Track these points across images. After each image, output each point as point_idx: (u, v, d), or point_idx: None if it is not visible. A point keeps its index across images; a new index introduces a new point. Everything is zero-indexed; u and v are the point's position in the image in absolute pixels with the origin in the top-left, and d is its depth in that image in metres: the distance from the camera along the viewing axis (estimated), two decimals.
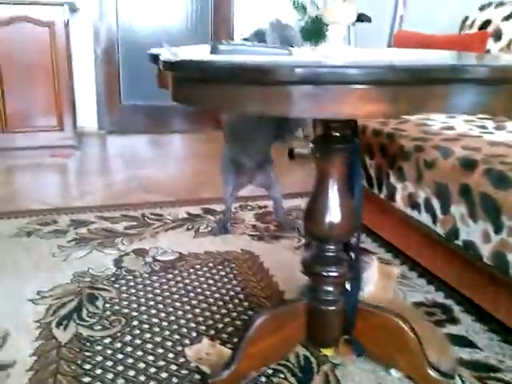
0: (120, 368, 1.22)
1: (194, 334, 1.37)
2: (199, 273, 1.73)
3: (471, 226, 1.31)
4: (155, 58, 1.04)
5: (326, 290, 1.16)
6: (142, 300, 1.54)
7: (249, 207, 2.41)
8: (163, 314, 1.46)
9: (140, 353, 1.28)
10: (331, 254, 1.15)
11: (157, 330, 1.39)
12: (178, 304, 1.52)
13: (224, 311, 1.49)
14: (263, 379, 1.19)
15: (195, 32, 4.28)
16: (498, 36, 2.23)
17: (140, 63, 4.17)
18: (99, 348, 1.30)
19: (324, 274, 1.15)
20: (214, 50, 0.81)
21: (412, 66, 0.74)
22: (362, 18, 3.38)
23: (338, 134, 1.08)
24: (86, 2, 3.93)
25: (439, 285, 1.64)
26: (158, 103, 4.31)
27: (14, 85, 3.48)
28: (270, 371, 1.21)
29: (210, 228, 2.15)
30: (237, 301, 1.55)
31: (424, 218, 1.51)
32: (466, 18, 2.45)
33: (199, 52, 1.04)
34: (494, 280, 1.35)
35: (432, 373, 1.12)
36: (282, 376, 1.20)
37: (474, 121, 1.78)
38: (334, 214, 1.11)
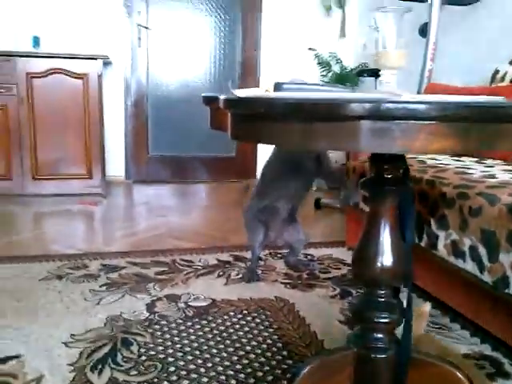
0: None
1: (233, 382, 1.32)
2: (233, 320, 1.69)
3: None
4: (208, 100, 1.06)
5: (376, 337, 1.12)
6: (178, 346, 1.50)
7: (279, 255, 2.38)
8: (200, 361, 1.42)
9: None
10: (382, 300, 1.11)
11: (194, 376, 1.34)
12: (214, 351, 1.48)
13: (262, 359, 1.44)
14: None
15: (219, 86, 4.39)
16: None
17: (167, 115, 4.31)
18: None
19: (374, 320, 1.11)
20: (277, 88, 0.82)
21: (483, 102, 0.73)
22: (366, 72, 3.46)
23: (390, 176, 1.07)
24: (119, 56, 4.09)
25: (484, 336, 1.57)
26: (184, 154, 4.39)
27: (48, 133, 3.59)
28: None
29: (240, 275, 2.12)
30: (275, 349, 1.50)
31: (469, 266, 1.47)
32: (497, 72, 2.48)
33: (257, 92, 1.05)
34: None
35: None
36: None
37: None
38: (385, 257, 1.08)
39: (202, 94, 1.12)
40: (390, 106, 0.71)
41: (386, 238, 1.08)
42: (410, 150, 0.74)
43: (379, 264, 1.08)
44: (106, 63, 3.92)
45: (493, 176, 1.65)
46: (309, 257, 2.36)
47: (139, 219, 3.23)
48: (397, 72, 1.09)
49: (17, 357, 1.41)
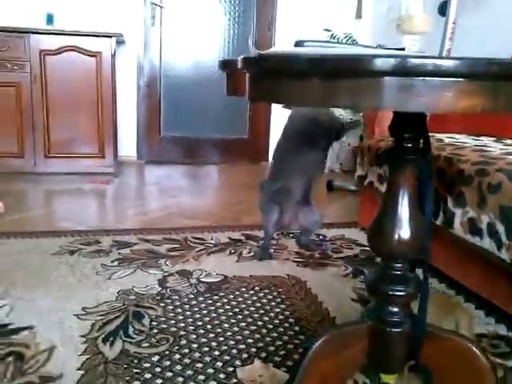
0: None
1: (245, 356, 1.31)
2: (245, 295, 1.67)
3: None
4: (225, 64, 1.03)
5: (392, 311, 1.09)
6: (189, 320, 1.49)
7: (291, 234, 2.36)
8: (212, 335, 1.41)
9: (190, 372, 1.23)
10: (398, 273, 1.09)
11: (206, 349, 1.33)
12: (226, 325, 1.47)
13: (274, 334, 1.43)
14: None
15: None
16: None
17: (179, 96, 4.28)
18: (147, 365, 1.25)
19: (390, 293, 1.08)
20: (298, 45, 0.80)
21: None
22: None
23: (410, 145, 1.04)
24: (132, 35, 4.05)
25: (499, 317, 1.55)
26: (196, 135, 4.37)
27: (60, 112, 3.58)
28: None
29: (252, 253, 2.10)
30: (287, 325, 1.49)
31: (487, 243, 1.44)
32: None
33: (278, 49, 1.02)
34: None
35: None
36: None
37: None
38: (403, 229, 1.05)
39: (219, 59, 1.09)
40: (417, 61, 0.68)
41: (404, 209, 1.05)
42: (436, 107, 0.71)
43: (396, 236, 1.05)
44: (120, 42, 3.89)
45: None
46: (321, 237, 2.34)
47: (150, 198, 3.22)
48: (419, 39, 1.05)
49: (29, 328, 1.41)
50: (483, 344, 1.39)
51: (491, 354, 1.34)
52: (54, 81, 3.53)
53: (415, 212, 1.06)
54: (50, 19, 3.69)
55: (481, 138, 2.01)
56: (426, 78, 0.69)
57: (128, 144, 4.19)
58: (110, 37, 3.59)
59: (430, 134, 2.04)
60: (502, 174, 1.40)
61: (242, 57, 0.84)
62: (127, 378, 1.19)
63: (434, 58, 0.68)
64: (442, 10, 2.65)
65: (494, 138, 2.01)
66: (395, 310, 1.10)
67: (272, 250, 2.12)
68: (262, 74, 0.82)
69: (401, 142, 1.04)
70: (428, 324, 1.09)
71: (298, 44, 0.79)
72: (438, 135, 2.03)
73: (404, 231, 1.05)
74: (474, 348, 1.06)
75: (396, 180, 1.06)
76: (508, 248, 1.36)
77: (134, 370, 1.23)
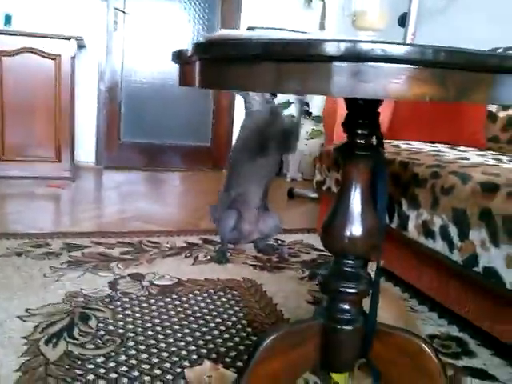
0: None
1: (195, 357, 1.27)
2: (199, 298, 1.63)
3: (492, 251, 1.25)
4: (177, 55, 1.01)
5: (343, 308, 1.08)
6: (139, 322, 1.44)
7: None
8: (161, 336, 1.36)
9: (136, 373, 1.18)
10: (350, 270, 1.08)
11: (154, 351, 1.28)
12: (176, 327, 1.42)
13: (226, 336, 1.39)
14: None
15: None
16: None
17: (141, 103, 4.22)
18: (91, 366, 1.19)
19: (341, 290, 1.07)
20: (249, 28, 0.78)
21: (464, 49, 0.70)
22: None
23: (362, 142, 1.03)
24: (93, 39, 3.98)
25: (451, 318, 1.56)
26: (158, 141, 4.31)
27: (16, 115, 3.46)
28: None
29: (209, 257, 2.07)
30: (239, 326, 1.45)
31: (439, 245, 1.45)
32: None
33: (229, 33, 1.00)
34: None
35: None
36: None
37: (486, 155, 1.76)
38: (355, 225, 1.04)
39: (173, 51, 1.07)
40: (367, 46, 0.67)
41: (356, 205, 1.05)
42: (385, 94, 0.70)
43: (348, 233, 1.05)
44: (80, 46, 3.81)
45: (466, 158, 1.64)
46: (279, 242, 2.32)
47: (107, 203, 3.15)
48: (374, 36, 1.05)
49: None
50: (435, 345, 1.39)
51: (442, 354, 1.34)
52: (10, 83, 3.41)
53: (368, 208, 1.05)
54: (7, 20, 3.59)
55: (436, 145, 2.05)
56: (376, 64, 0.68)
57: (87, 149, 4.10)
58: (70, 39, 3.50)
59: (387, 141, 2.06)
60: (455, 177, 1.42)
61: (194, 43, 0.82)
62: (68, 380, 1.13)
63: (384, 44, 0.67)
64: (402, 21, 2.71)
65: (449, 145, 2.05)
66: (346, 307, 1.08)
67: (229, 254, 2.09)
68: (213, 60, 0.80)
69: (354, 137, 1.03)
70: (379, 322, 1.08)
71: (250, 29, 0.78)
72: (395, 142, 2.06)
73: (356, 227, 1.04)
74: (424, 346, 1.05)
75: (349, 176, 1.05)
76: (460, 249, 1.37)
77: (77, 372, 1.17)
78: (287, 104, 4.14)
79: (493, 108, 2.18)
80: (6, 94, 3.42)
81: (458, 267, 1.41)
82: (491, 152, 1.88)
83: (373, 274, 1.11)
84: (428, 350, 1.04)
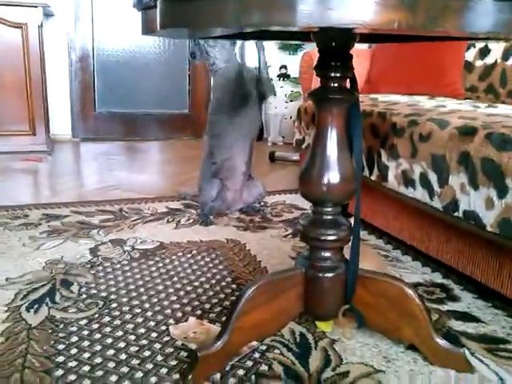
0: (98, 347, 1.10)
1: (180, 315, 1.26)
2: (182, 259, 1.62)
3: (472, 194, 1.25)
4: (138, 1, 0.97)
5: (324, 256, 1.08)
6: (122, 284, 1.43)
7: None
8: (145, 297, 1.35)
9: (120, 333, 1.17)
10: (329, 218, 1.07)
11: (138, 311, 1.27)
12: (160, 287, 1.41)
13: (211, 293, 1.39)
14: (257, 355, 1.08)
15: (169, 41, 4.23)
16: None
17: (115, 71, 4.12)
18: (74, 329, 1.18)
19: (321, 238, 1.06)
20: None
21: None
22: None
23: (336, 85, 1.01)
24: (61, 8, 3.85)
25: (435, 266, 1.57)
26: (135, 111, 4.24)
27: None
28: (264, 347, 1.11)
29: (191, 220, 2.05)
30: (224, 284, 1.45)
31: (420, 194, 1.45)
32: None
33: None
34: (497, 251, 1.29)
35: (440, 341, 1.03)
36: (278, 352, 1.10)
37: (464, 103, 1.75)
38: (331, 173, 1.03)
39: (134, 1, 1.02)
40: None
41: (332, 151, 1.03)
42: (352, 22, 0.67)
43: (325, 180, 1.04)
44: (47, 14, 3.68)
45: (444, 106, 1.63)
46: (261, 203, 2.31)
47: (86, 174, 3.09)
48: None
49: None
50: (419, 292, 1.40)
51: (427, 300, 1.35)
52: None
53: (344, 154, 1.04)
54: None
55: (414, 97, 2.03)
56: None
57: (62, 121, 4.01)
58: (37, 7, 3.38)
59: (365, 95, 2.04)
60: (433, 123, 1.41)
61: None
62: (52, 342, 1.12)
63: None
64: None
65: (427, 97, 2.03)
66: (327, 255, 1.08)
67: (212, 217, 2.07)
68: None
69: (327, 81, 1.01)
70: (360, 268, 1.08)
71: None
72: (373, 95, 2.04)
73: (333, 174, 1.03)
74: (406, 289, 1.06)
75: (323, 121, 1.03)
76: (440, 196, 1.37)
77: (60, 335, 1.15)
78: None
79: (470, 58, 2.16)
80: None
81: (438, 214, 1.41)
82: (469, 101, 1.87)
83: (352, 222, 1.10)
84: (410, 292, 1.05)
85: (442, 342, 1.03)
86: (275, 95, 4.01)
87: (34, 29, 3.39)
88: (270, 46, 4.10)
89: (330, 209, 1.07)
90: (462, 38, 1.17)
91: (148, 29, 0.96)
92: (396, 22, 0.67)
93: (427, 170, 1.40)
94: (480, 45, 2.11)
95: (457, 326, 1.22)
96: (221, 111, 1.98)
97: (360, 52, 2.45)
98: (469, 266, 1.40)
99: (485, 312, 1.29)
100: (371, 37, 1.12)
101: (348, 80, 1.04)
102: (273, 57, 3.99)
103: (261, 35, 1.34)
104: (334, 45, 0.97)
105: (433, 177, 1.38)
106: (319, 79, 1.03)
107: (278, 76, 4.18)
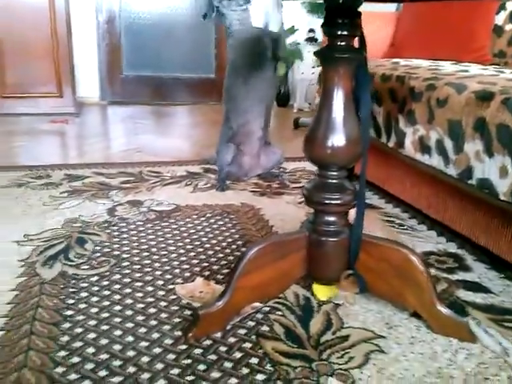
0: (105, 303, 1.14)
1: (188, 275, 1.28)
2: (196, 222, 1.64)
3: (486, 162, 1.21)
4: None
5: (328, 221, 1.07)
6: (135, 244, 1.46)
7: None
8: (156, 257, 1.38)
9: (128, 290, 1.20)
10: (333, 181, 1.06)
11: (148, 270, 1.30)
12: (171, 248, 1.44)
13: (220, 255, 1.40)
14: (259, 316, 1.10)
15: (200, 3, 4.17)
16: None
17: (142, 34, 4.10)
18: (84, 285, 1.22)
19: (326, 202, 1.05)
20: None
21: None
22: None
23: (343, 43, 0.98)
24: None
25: (451, 236, 1.55)
26: (162, 74, 4.23)
27: (13, 51, 3.41)
28: (267, 308, 1.13)
29: (209, 184, 2.06)
30: (234, 246, 1.46)
31: (435, 161, 1.41)
32: None
33: None
34: (510, 221, 1.25)
35: (443, 309, 1.03)
36: (280, 313, 1.11)
37: (489, 69, 1.68)
38: (337, 135, 1.01)
39: None
40: None
41: (338, 114, 1.02)
42: None
43: (330, 143, 1.02)
44: None
45: (466, 71, 1.57)
46: (281, 169, 2.30)
47: (111, 137, 3.13)
48: None
49: None
50: (430, 260, 1.39)
51: (436, 268, 1.34)
52: (5, 16, 3.33)
53: (350, 116, 1.02)
54: None
55: (438, 62, 1.96)
56: None
57: (90, 84, 4.05)
58: None
59: (385, 59, 1.99)
60: (450, 88, 1.36)
61: None
62: (62, 297, 1.16)
63: None
64: None
65: (452, 61, 1.96)
66: (331, 219, 1.07)
67: (228, 182, 2.07)
68: None
69: (333, 40, 0.99)
70: (364, 233, 1.07)
71: None
72: (396, 59, 1.98)
73: (338, 137, 1.02)
74: (410, 255, 1.04)
75: (329, 82, 1.01)
76: (455, 163, 1.33)
77: (70, 290, 1.19)
78: (292, 30, 4.01)
79: (499, 21, 2.06)
80: (1, 31, 3.34)
81: (453, 181, 1.37)
82: (495, 67, 1.80)
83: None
84: (414, 258, 1.04)
85: (445, 310, 1.02)
86: (301, 60, 3.94)
87: None
88: (298, 9, 4.01)
89: (334, 172, 1.05)
90: None
91: None
92: None
93: (443, 137, 1.37)
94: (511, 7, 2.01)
95: (465, 295, 1.20)
96: (236, 74, 1.96)
97: (384, 15, 2.37)
98: (483, 236, 1.37)
99: (496, 283, 1.27)
100: None
101: (356, 39, 1.01)
102: (300, 20, 3.91)
103: None
104: (341, 1, 0.94)
105: (448, 143, 1.35)
106: (326, 38, 1.00)
107: (305, 40, 4.09)
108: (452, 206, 1.50)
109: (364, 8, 1.00)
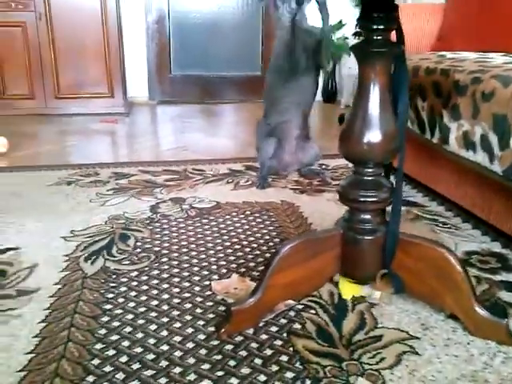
0: (143, 298, 1.17)
1: (224, 271, 1.30)
2: (235, 219, 1.65)
3: None
4: None
5: (364, 219, 1.05)
6: (175, 240, 1.49)
7: None
8: (194, 253, 1.40)
9: (165, 285, 1.22)
10: (369, 178, 1.04)
11: (186, 265, 1.33)
12: (210, 245, 1.45)
13: (257, 252, 1.41)
14: (292, 313, 1.10)
15: (242, 7, 4.20)
16: None
17: (190, 34, 4.16)
18: (124, 280, 1.25)
19: (361, 199, 1.04)
20: None
21: None
22: None
23: (379, 37, 0.96)
24: None
25: (496, 236, 1.49)
26: (209, 73, 4.28)
27: (67, 52, 3.54)
28: (301, 306, 1.12)
29: (250, 182, 2.07)
30: (271, 244, 1.46)
31: (480, 157, 1.36)
32: None
33: None
34: None
35: (481, 311, 0.99)
36: (313, 312, 1.10)
37: None
38: (373, 131, 0.99)
39: None
40: None
41: (374, 110, 1.00)
42: None
43: (366, 139, 1.00)
44: None
45: None
46: (323, 166, 2.28)
47: (159, 137, 3.20)
48: None
49: (15, 248, 1.43)
50: (473, 261, 1.34)
51: (479, 269, 1.29)
52: (60, 19, 3.47)
53: (387, 112, 1.00)
54: None
55: (488, 54, 1.89)
56: None
57: (139, 84, 4.15)
58: None
59: (431, 52, 1.93)
60: (496, 81, 1.31)
61: None
62: (102, 291, 1.20)
63: None
64: None
65: (503, 53, 1.88)
66: (367, 217, 1.06)
67: (270, 179, 2.08)
68: None
69: (369, 34, 0.97)
70: (401, 232, 1.05)
71: None
72: (442, 52, 1.91)
73: (374, 133, 1.00)
74: (447, 254, 1.01)
75: (365, 76, 0.99)
76: (500, 159, 1.28)
77: (111, 284, 1.23)
78: (340, 25, 3.96)
79: None
80: (56, 31, 3.50)
81: (498, 178, 1.32)
82: None
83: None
84: (451, 258, 1.01)
85: (483, 312, 0.99)
86: (349, 55, 3.88)
87: None
88: (346, 2, 3.95)
89: (370, 169, 1.03)
90: None
91: None
92: None
93: (488, 132, 1.31)
94: None
95: (507, 297, 1.16)
96: (277, 72, 1.96)
97: (430, 7, 2.30)
98: None
99: None
100: None
101: (394, 33, 0.99)
102: (348, 14, 3.84)
103: None
104: None
105: (493, 139, 1.29)
106: (362, 32, 0.99)
107: (353, 34, 4.02)
108: (498, 205, 1.44)
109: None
